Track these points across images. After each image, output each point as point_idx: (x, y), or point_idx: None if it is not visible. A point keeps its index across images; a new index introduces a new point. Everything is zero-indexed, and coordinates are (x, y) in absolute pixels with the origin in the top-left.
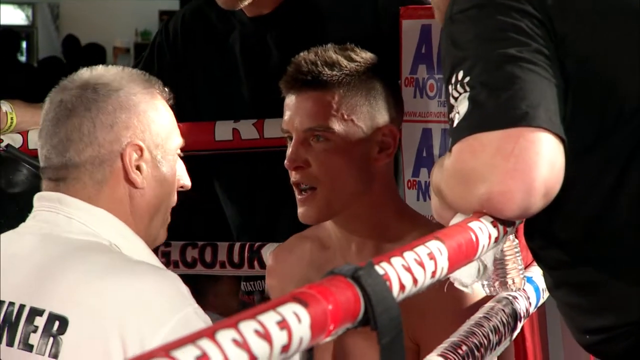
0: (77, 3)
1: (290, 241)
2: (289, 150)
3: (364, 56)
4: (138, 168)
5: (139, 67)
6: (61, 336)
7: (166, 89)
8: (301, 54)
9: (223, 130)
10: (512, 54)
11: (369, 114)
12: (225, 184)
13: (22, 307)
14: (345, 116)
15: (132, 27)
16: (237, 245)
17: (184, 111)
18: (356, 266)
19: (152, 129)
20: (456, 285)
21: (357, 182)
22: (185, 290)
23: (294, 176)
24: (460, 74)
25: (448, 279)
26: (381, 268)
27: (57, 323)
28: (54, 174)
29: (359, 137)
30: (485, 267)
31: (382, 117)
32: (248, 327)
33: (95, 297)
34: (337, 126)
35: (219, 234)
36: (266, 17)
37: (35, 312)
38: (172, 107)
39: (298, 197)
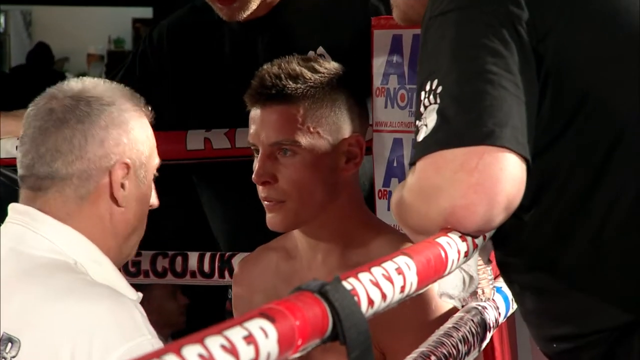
0: (49, 10)
1: (257, 252)
2: (255, 164)
3: (328, 66)
4: (122, 186)
5: (119, 74)
6: (13, 359)
7: (149, 107)
8: (264, 66)
9: (194, 140)
10: (485, 68)
11: (334, 125)
12: (219, 191)
13: None
14: (311, 129)
15: (106, 34)
16: (208, 255)
17: (165, 119)
18: (323, 282)
19: (139, 147)
20: (443, 299)
21: (324, 193)
22: (140, 318)
23: (261, 191)
24: (435, 83)
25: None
26: (349, 283)
27: (9, 345)
28: (35, 183)
29: (326, 149)
30: (471, 277)
31: (348, 127)
32: (214, 342)
33: (48, 320)
34: (304, 139)
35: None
36: (257, 22)
37: None
38: (152, 122)
39: (265, 203)
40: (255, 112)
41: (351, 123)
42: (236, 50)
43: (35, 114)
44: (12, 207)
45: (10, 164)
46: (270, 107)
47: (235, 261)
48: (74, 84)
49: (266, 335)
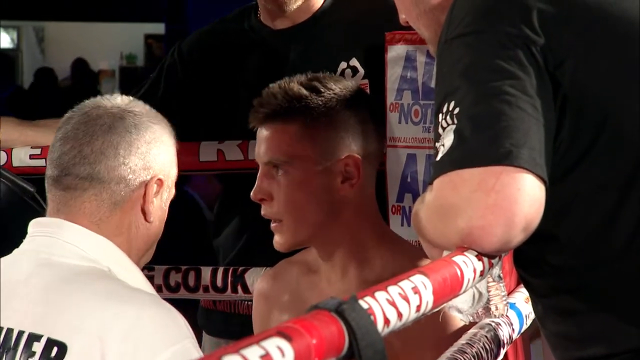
0: (62, 26)
1: (279, 266)
2: None
3: (333, 87)
4: (152, 202)
5: (143, 89)
6: None
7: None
8: (270, 85)
9: (207, 151)
10: (502, 89)
11: (328, 146)
12: (233, 203)
13: (20, 333)
14: (302, 149)
15: (118, 50)
16: (221, 269)
17: (192, 130)
18: (340, 300)
19: (172, 169)
20: (452, 312)
21: (318, 213)
22: (182, 322)
23: (262, 209)
24: (452, 104)
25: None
26: (365, 302)
27: (55, 349)
28: (73, 182)
29: (318, 169)
30: (480, 294)
31: (345, 147)
32: None
33: (93, 324)
34: (294, 159)
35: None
36: (290, 31)
37: (34, 337)
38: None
39: (272, 225)
40: (258, 131)
41: (349, 144)
42: (267, 59)
43: (80, 117)
44: (35, 222)
45: (23, 172)
46: (267, 126)
47: (249, 276)
48: (120, 98)
49: (283, 354)
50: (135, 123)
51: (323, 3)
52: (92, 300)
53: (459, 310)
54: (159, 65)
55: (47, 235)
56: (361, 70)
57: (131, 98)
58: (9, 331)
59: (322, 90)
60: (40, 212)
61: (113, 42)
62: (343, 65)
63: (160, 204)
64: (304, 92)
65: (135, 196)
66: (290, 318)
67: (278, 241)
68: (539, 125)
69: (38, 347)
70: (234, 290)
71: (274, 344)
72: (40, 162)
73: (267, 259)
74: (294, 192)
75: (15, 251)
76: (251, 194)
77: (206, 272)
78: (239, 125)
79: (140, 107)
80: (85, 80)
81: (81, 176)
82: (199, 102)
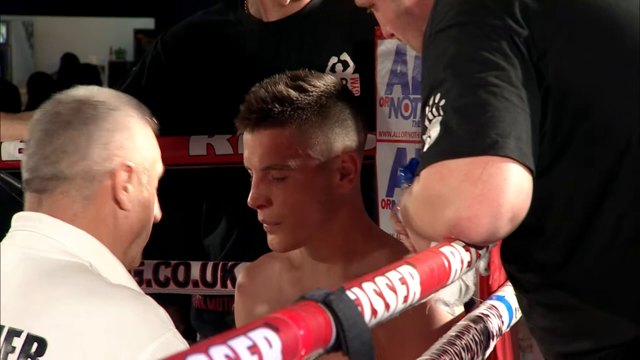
0: (51, 21)
1: (261, 260)
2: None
3: (318, 84)
4: (125, 189)
5: (125, 83)
6: (39, 358)
7: (154, 119)
8: (253, 89)
9: (197, 145)
10: (488, 80)
11: (325, 144)
12: (227, 199)
13: (0, 328)
14: (301, 151)
15: (107, 45)
16: (210, 264)
17: (178, 123)
18: (327, 291)
19: (143, 153)
20: (438, 305)
21: (320, 212)
22: (163, 314)
23: (259, 214)
24: (438, 97)
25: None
26: (352, 293)
27: (35, 344)
28: (41, 184)
29: (318, 169)
30: (467, 287)
31: (340, 143)
32: (219, 352)
33: (74, 320)
34: (294, 162)
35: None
36: (280, 23)
37: (14, 332)
38: (156, 132)
39: (264, 225)
40: (246, 136)
41: (343, 139)
42: (256, 52)
43: (41, 117)
44: (17, 216)
45: (12, 166)
46: (259, 132)
47: (238, 271)
48: (81, 90)
49: (270, 345)
50: (93, 114)
51: None
52: (73, 295)
53: (446, 303)
54: (142, 58)
55: (28, 229)
56: (352, 65)
57: (94, 88)
58: None
59: (309, 89)
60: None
61: (102, 37)
62: (334, 59)
63: (138, 190)
64: (293, 93)
65: (104, 187)
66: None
67: (276, 242)
68: (525, 115)
69: (18, 342)
70: (224, 285)
71: (261, 335)
72: None
73: (258, 255)
74: (296, 195)
75: None
76: (249, 201)
77: (195, 266)
78: (226, 118)
79: (101, 95)
80: (74, 75)
81: (46, 177)
82: (184, 95)
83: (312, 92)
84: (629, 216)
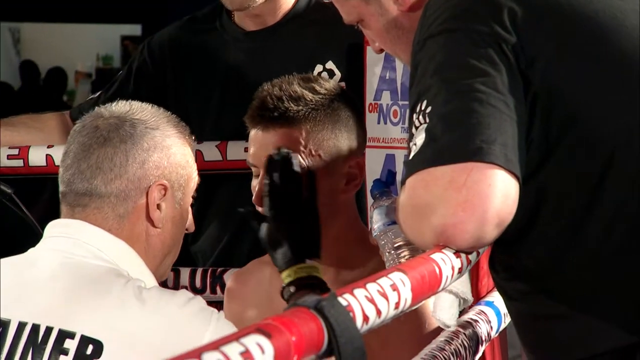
0: (38, 27)
1: (250, 265)
2: (253, 183)
3: (328, 87)
4: (159, 207)
5: (112, 88)
6: (96, 359)
7: (193, 136)
8: (265, 87)
9: None
10: (474, 87)
11: (335, 148)
12: (209, 207)
13: (49, 329)
14: (313, 152)
15: (94, 51)
16: (200, 270)
17: None
18: (319, 297)
19: (179, 171)
20: (439, 324)
21: (324, 216)
22: (203, 303)
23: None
24: (424, 103)
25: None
26: (344, 299)
27: (90, 346)
28: (74, 199)
29: (327, 172)
30: (465, 300)
31: (347, 148)
32: (211, 358)
33: (127, 322)
34: (306, 162)
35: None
36: (265, 31)
37: (65, 334)
38: (194, 149)
39: None
40: (256, 134)
41: (350, 144)
42: (241, 60)
43: (80, 130)
44: (53, 223)
45: (0, 173)
46: (273, 130)
47: (227, 277)
48: (121, 105)
49: (262, 351)
50: (131, 132)
51: (296, 4)
52: (122, 299)
53: (446, 325)
54: (127, 64)
55: (67, 236)
56: (337, 73)
57: (136, 104)
58: (35, 327)
59: (321, 91)
60: (19, 214)
61: (89, 43)
62: (319, 67)
63: (171, 207)
64: (308, 93)
65: (139, 206)
66: (264, 317)
67: None
68: (511, 122)
69: (71, 344)
70: (213, 291)
71: (253, 341)
72: (18, 162)
73: (248, 261)
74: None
75: (31, 250)
76: (254, 199)
77: (185, 272)
78: (212, 124)
79: (143, 112)
80: (34, 83)
81: (80, 192)
82: (170, 101)
83: (324, 94)
84: (616, 223)
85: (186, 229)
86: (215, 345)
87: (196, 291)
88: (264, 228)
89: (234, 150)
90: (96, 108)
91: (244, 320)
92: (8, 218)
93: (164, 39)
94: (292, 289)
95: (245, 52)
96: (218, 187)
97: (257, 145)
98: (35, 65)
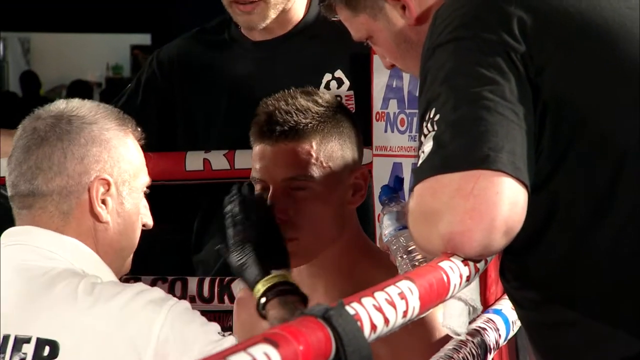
0: (48, 37)
1: None
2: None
3: (327, 99)
4: (104, 202)
5: (121, 100)
6: (54, 359)
7: (139, 129)
8: (268, 102)
9: (194, 161)
10: (482, 95)
11: (342, 159)
12: (215, 217)
13: (6, 337)
14: (324, 164)
15: (104, 61)
16: (207, 279)
17: (175, 141)
18: (327, 306)
19: (122, 165)
20: (449, 333)
21: (335, 228)
22: (160, 293)
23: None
24: (433, 112)
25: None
26: (352, 308)
27: (47, 348)
28: (20, 201)
29: (336, 183)
30: (474, 308)
31: (352, 159)
32: None
33: (81, 318)
34: (317, 174)
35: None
36: (274, 41)
37: (22, 340)
38: (143, 146)
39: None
40: (263, 148)
41: (354, 155)
42: (251, 71)
43: (20, 134)
44: (7, 233)
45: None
46: (284, 144)
47: (235, 286)
48: (59, 104)
49: None
50: (68, 129)
51: (306, 15)
52: (75, 296)
53: (457, 333)
54: (136, 76)
55: (18, 243)
56: (346, 82)
57: (75, 101)
58: None
59: (323, 103)
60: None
61: (99, 53)
62: (328, 76)
63: (117, 202)
64: (313, 106)
65: (82, 201)
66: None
67: (291, 259)
68: (520, 130)
69: (29, 348)
70: (221, 301)
71: (260, 351)
72: None
73: None
74: (316, 207)
75: None
76: None
77: (193, 282)
78: (219, 134)
79: (79, 109)
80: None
81: (24, 194)
82: (178, 113)
83: (327, 106)
84: (628, 230)
85: (143, 225)
86: (222, 355)
87: (204, 300)
88: (231, 258)
89: (242, 159)
90: (35, 110)
91: (253, 330)
92: (7, 222)
93: (172, 52)
94: (262, 300)
95: (254, 62)
96: (223, 196)
97: (265, 160)
98: (36, 75)
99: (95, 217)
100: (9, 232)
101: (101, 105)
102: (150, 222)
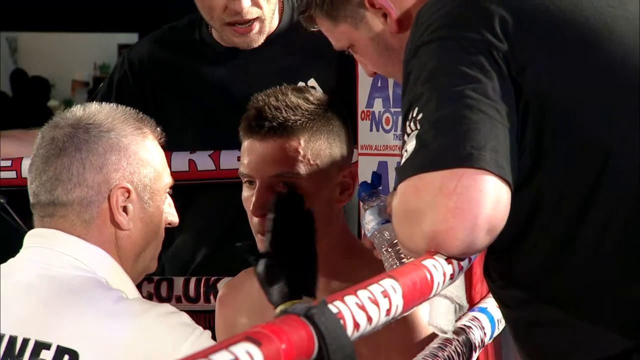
0: (35, 36)
1: (241, 275)
2: (247, 194)
3: (318, 96)
4: (125, 209)
5: (95, 101)
6: None
7: (158, 129)
8: (259, 97)
9: (179, 161)
10: (464, 93)
11: (330, 157)
12: (203, 213)
13: (25, 341)
14: (311, 161)
15: (91, 60)
16: (193, 279)
17: None
18: (309, 305)
19: (142, 170)
20: (435, 331)
21: (321, 225)
22: (187, 319)
23: (258, 224)
24: (416, 111)
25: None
26: (335, 307)
27: (66, 357)
28: (41, 210)
29: (324, 181)
30: (461, 306)
31: (340, 157)
32: None
33: (103, 333)
34: (304, 172)
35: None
36: (245, 50)
37: (42, 345)
38: (162, 143)
39: (259, 237)
40: (251, 143)
41: (342, 153)
42: (223, 74)
43: (40, 143)
44: (32, 233)
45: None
46: (272, 139)
47: (221, 285)
48: (76, 111)
49: (252, 359)
50: (85, 139)
51: (279, 24)
52: (99, 309)
53: (443, 331)
54: (108, 77)
55: (43, 246)
56: (319, 90)
57: (92, 107)
58: (12, 339)
59: (314, 101)
60: (12, 223)
61: (86, 52)
62: (301, 84)
63: (139, 208)
64: (304, 103)
65: (103, 210)
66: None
67: None
68: (502, 128)
69: (47, 354)
70: (207, 300)
71: (243, 349)
72: (11, 174)
73: (229, 270)
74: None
75: (11, 261)
76: (252, 209)
77: (178, 282)
78: (192, 137)
79: (97, 115)
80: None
81: (45, 203)
82: (150, 114)
83: (317, 104)
84: (611, 228)
85: (168, 224)
86: (205, 354)
87: (190, 300)
88: (262, 263)
89: (228, 160)
90: (53, 117)
91: (235, 328)
92: (2, 228)
93: (142, 52)
94: None
95: (227, 67)
96: (210, 196)
97: (253, 155)
98: (25, 73)
99: (117, 225)
100: (34, 232)
101: (119, 108)
102: (175, 220)
